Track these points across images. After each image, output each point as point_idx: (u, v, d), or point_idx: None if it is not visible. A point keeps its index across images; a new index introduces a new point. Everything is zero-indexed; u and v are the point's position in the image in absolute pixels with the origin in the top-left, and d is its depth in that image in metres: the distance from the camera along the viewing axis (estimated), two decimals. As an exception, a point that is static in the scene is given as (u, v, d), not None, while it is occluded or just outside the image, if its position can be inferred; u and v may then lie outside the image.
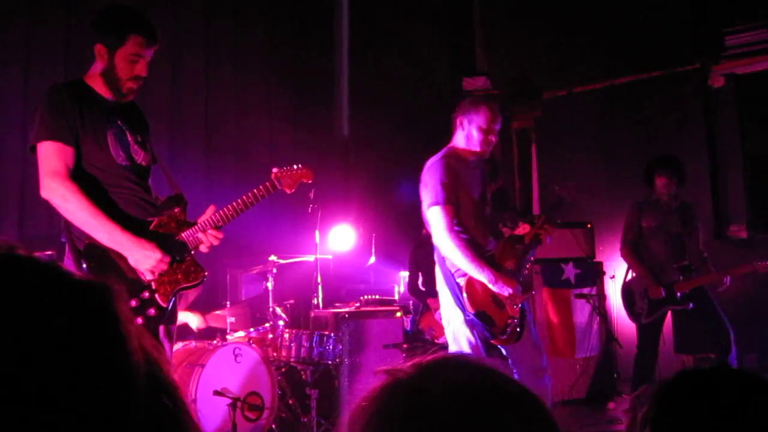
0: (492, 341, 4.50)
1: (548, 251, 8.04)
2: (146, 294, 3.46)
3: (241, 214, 3.75)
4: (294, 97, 8.51)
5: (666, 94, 8.90)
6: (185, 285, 3.62)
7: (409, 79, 9.65)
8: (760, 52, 8.51)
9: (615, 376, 7.98)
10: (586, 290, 8.01)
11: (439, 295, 4.67)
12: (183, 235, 3.64)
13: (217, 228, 3.68)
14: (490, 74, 10.17)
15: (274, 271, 6.54)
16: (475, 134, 4.61)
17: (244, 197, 3.75)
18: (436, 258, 4.60)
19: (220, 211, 3.70)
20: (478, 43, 10.45)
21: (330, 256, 7.41)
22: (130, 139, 3.61)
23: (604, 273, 8.36)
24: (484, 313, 4.40)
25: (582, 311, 7.97)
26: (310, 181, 4.14)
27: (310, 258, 6.93)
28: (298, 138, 8.37)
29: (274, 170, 3.94)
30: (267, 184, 3.86)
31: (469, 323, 4.44)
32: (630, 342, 8.12)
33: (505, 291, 4.42)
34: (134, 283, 3.42)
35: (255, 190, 3.80)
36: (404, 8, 9.58)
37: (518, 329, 4.49)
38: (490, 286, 4.41)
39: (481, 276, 4.39)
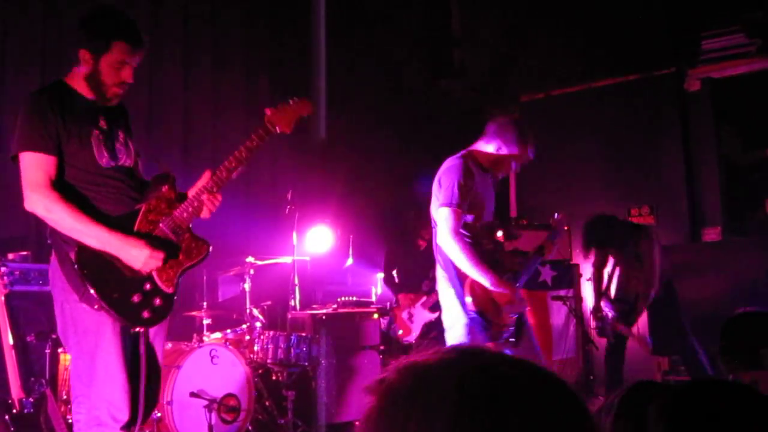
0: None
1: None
2: (148, 286, 3.41)
3: (236, 172, 3.60)
4: (271, 98, 8.48)
5: (642, 98, 8.95)
6: (189, 264, 3.56)
7: (386, 80, 9.63)
8: (736, 56, 8.58)
9: (591, 377, 8.02)
10: (562, 292, 8.05)
11: (440, 297, 4.64)
12: (176, 213, 3.53)
13: (212, 193, 3.57)
14: (467, 76, 10.18)
15: (251, 272, 6.53)
16: (510, 163, 4.66)
17: (236, 153, 3.57)
18: (439, 257, 4.57)
19: (214, 176, 3.58)
20: (455, 45, 10.47)
21: (307, 258, 7.40)
22: (113, 139, 3.54)
23: (580, 275, 8.40)
24: (483, 313, 4.41)
25: (558, 313, 8.00)
26: (309, 114, 3.89)
27: (288, 259, 6.91)
28: (275, 139, 8.32)
29: (268, 112, 3.70)
30: (260, 131, 3.65)
31: (469, 324, 4.43)
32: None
33: (505, 296, 4.44)
34: (134, 277, 3.38)
35: (247, 143, 3.60)
36: (381, 8, 9.57)
37: (513, 338, 4.53)
38: (492, 288, 4.40)
39: (483, 279, 4.38)
